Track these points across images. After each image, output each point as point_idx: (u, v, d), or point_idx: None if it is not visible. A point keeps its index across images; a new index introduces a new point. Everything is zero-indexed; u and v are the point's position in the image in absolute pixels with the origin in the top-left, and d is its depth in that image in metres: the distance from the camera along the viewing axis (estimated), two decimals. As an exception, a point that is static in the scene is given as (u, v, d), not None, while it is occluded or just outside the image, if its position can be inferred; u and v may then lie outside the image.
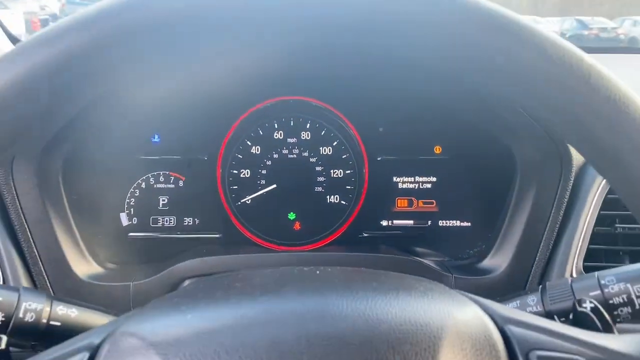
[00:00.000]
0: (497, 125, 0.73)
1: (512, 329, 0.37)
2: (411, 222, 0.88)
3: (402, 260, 0.77)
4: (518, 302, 0.53)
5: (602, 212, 0.73)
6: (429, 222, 0.88)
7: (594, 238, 0.72)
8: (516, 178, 0.73)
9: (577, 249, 0.71)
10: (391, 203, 0.88)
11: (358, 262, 0.77)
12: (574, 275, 0.70)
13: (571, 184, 0.71)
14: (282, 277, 0.43)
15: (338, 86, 0.83)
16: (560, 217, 0.72)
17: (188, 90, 0.76)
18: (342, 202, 0.87)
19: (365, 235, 0.87)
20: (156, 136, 0.86)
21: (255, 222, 0.86)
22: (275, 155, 0.86)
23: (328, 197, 0.87)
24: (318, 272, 0.44)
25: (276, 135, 0.87)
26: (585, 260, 0.71)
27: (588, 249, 0.71)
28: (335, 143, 0.87)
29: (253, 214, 0.86)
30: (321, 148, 0.87)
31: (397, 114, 0.86)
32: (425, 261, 0.77)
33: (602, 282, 0.49)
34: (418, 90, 0.80)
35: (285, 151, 0.87)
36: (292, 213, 0.87)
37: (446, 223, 0.87)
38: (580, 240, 0.71)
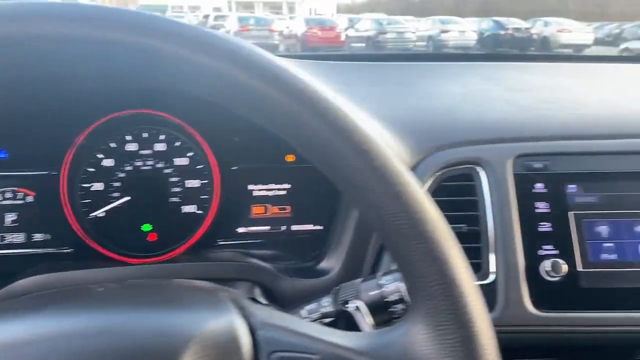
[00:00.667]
0: None
1: (263, 333, 0.40)
2: (267, 227, 0.91)
3: (244, 266, 0.81)
4: (315, 304, 0.57)
5: (427, 213, 0.79)
6: (284, 227, 0.91)
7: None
8: None
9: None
10: (247, 210, 0.91)
11: (201, 271, 0.79)
12: (400, 273, 0.76)
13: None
14: (56, 297, 0.45)
15: (187, 99, 0.85)
16: None
17: (33, 104, 0.75)
18: (198, 211, 0.89)
19: (221, 243, 0.90)
20: (2, 152, 0.84)
21: (109, 235, 0.86)
22: (129, 168, 0.87)
23: (183, 207, 0.88)
24: (101, 289, 0.46)
25: (129, 148, 0.87)
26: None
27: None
28: (190, 154, 0.88)
29: (106, 228, 0.86)
30: (176, 159, 0.88)
31: (251, 124, 0.89)
32: (268, 266, 0.81)
33: (380, 282, 0.54)
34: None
35: (139, 163, 0.87)
36: (147, 225, 0.88)
37: (300, 227, 0.92)
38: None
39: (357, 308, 0.50)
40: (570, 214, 0.78)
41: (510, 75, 1.14)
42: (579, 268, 0.76)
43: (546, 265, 0.75)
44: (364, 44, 17.39)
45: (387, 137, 0.80)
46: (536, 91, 1.01)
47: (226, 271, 0.80)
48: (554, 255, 0.76)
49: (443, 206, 0.80)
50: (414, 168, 0.81)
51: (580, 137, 0.83)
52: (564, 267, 0.75)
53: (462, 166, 0.81)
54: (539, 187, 0.80)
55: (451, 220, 0.79)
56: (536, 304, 0.74)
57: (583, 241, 0.77)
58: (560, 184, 0.80)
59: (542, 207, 0.79)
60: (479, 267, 0.76)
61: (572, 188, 0.80)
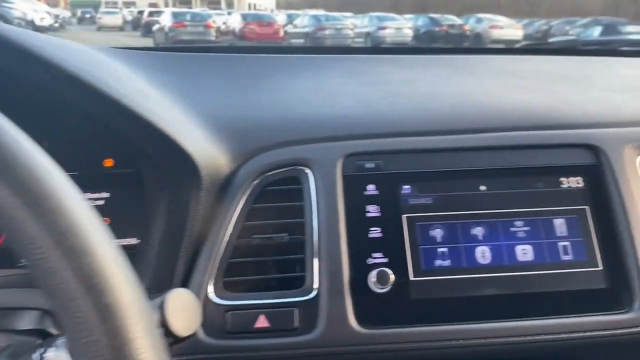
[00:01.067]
0: (124, 140, 0.67)
1: None
2: (82, 243, 0.80)
3: (33, 292, 0.69)
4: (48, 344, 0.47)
5: (246, 223, 0.70)
6: (103, 242, 0.81)
7: (238, 251, 0.69)
8: (149, 197, 0.69)
9: (216, 265, 0.68)
10: None
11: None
12: (210, 294, 0.67)
13: (202, 198, 0.68)
14: None
15: None
16: (196, 234, 0.68)
17: None
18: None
19: (24, 263, 0.78)
20: None
21: None
22: None
23: None
24: None
25: None
26: (228, 276, 0.69)
27: (230, 263, 0.69)
28: None
29: None
30: None
31: (62, 126, 0.78)
32: None
33: None
34: (72, 102, 0.72)
35: None
36: None
37: (121, 242, 0.81)
38: (220, 255, 0.68)
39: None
40: (403, 218, 0.72)
41: (375, 69, 1.07)
42: (411, 277, 0.69)
43: (373, 275, 0.68)
44: (302, 40, 17.31)
45: (199, 139, 0.71)
46: (392, 85, 0.95)
47: (11, 299, 0.68)
48: (384, 264, 0.69)
49: (267, 214, 0.72)
50: (235, 172, 0.72)
51: (417, 134, 0.77)
52: (392, 277, 0.68)
53: (288, 168, 0.73)
54: (371, 189, 0.73)
55: (274, 229, 0.71)
56: (361, 320, 0.67)
57: (416, 247, 0.71)
58: (393, 185, 0.73)
59: (373, 210, 0.72)
60: (302, 281, 0.69)
61: (406, 189, 0.73)
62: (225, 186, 0.71)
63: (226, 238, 0.69)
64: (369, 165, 0.74)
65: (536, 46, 1.65)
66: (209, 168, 0.68)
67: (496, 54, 1.34)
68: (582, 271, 0.71)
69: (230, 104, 0.82)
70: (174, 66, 0.98)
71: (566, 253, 0.72)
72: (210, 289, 0.67)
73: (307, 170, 0.73)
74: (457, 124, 0.78)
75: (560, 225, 0.73)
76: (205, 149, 0.70)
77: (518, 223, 0.73)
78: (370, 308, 0.68)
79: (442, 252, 0.71)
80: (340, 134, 0.76)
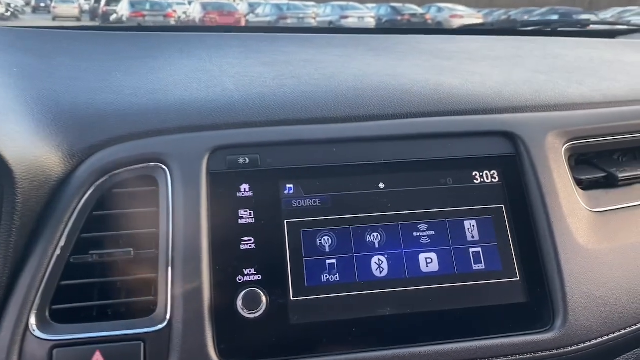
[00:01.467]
0: None
1: None
2: None
3: None
4: None
5: (83, 235, 0.56)
6: None
7: (70, 271, 0.55)
8: None
9: (41, 289, 0.54)
10: None
11: None
12: (31, 327, 0.53)
13: (20, 206, 0.53)
14: None
15: None
16: (15, 249, 0.54)
17: None
18: None
19: None
20: None
21: None
22: None
23: None
24: None
25: None
26: (57, 302, 0.54)
27: (60, 287, 0.55)
28: None
29: None
30: None
31: None
32: None
33: None
34: None
35: None
36: None
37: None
38: (46, 276, 0.54)
39: None
40: (285, 224, 0.59)
41: (280, 49, 0.94)
42: (290, 297, 0.57)
43: (241, 297, 0.55)
44: (264, 30, 17.01)
45: (19, 131, 0.56)
46: (291, 65, 0.81)
47: None
48: (255, 283, 0.56)
49: (110, 223, 0.56)
50: (72, 172, 0.58)
51: (304, 121, 0.64)
52: (264, 299, 0.55)
53: (140, 165, 0.59)
54: (244, 189, 0.60)
55: (118, 242, 0.57)
56: (225, 353, 0.54)
57: (299, 260, 0.58)
58: (272, 184, 0.60)
59: (246, 216, 0.59)
60: (153, 307, 0.55)
61: (288, 189, 0.60)
62: (57, 190, 0.57)
63: (57, 253, 0.55)
64: (242, 160, 0.60)
65: (475, 27, 1.54)
66: (31, 168, 0.54)
67: (430, 34, 1.22)
68: (497, 283, 0.60)
69: (80, 88, 0.67)
70: (29, 44, 0.83)
71: (478, 262, 0.60)
72: (33, 320, 0.53)
73: (164, 168, 0.59)
74: (354, 110, 0.66)
75: (471, 228, 0.62)
76: (27, 144, 0.55)
77: (422, 227, 0.61)
78: (237, 338, 0.55)
79: (331, 264, 0.59)
80: (207, 122, 0.62)
